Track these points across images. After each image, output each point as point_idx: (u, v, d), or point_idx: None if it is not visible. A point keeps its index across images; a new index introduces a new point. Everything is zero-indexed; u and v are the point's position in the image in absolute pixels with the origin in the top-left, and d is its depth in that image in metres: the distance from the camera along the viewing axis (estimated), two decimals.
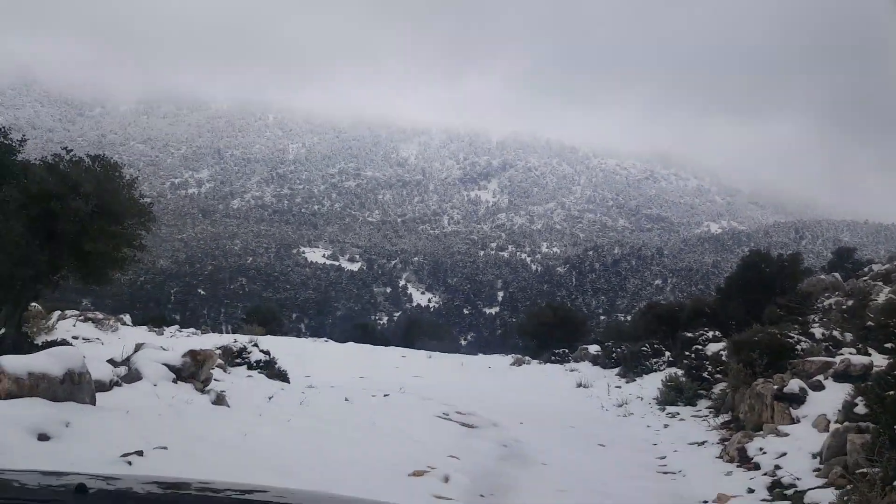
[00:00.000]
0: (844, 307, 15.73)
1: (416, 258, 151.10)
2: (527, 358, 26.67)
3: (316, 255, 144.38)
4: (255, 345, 14.93)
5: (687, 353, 18.11)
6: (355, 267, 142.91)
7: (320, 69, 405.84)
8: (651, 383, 16.96)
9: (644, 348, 21.01)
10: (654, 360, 20.12)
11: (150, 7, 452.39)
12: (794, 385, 10.53)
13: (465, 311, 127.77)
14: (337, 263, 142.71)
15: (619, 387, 18.12)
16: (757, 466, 8.82)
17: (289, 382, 13.91)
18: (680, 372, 16.36)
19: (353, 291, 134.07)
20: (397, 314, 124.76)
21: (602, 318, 68.49)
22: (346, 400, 12.09)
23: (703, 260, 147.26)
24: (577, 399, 16.00)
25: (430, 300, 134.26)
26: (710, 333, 19.28)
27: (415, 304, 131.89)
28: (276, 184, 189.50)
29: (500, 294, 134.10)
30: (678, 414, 13.66)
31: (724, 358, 15.39)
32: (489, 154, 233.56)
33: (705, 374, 15.33)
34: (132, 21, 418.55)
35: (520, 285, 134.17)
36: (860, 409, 8.24)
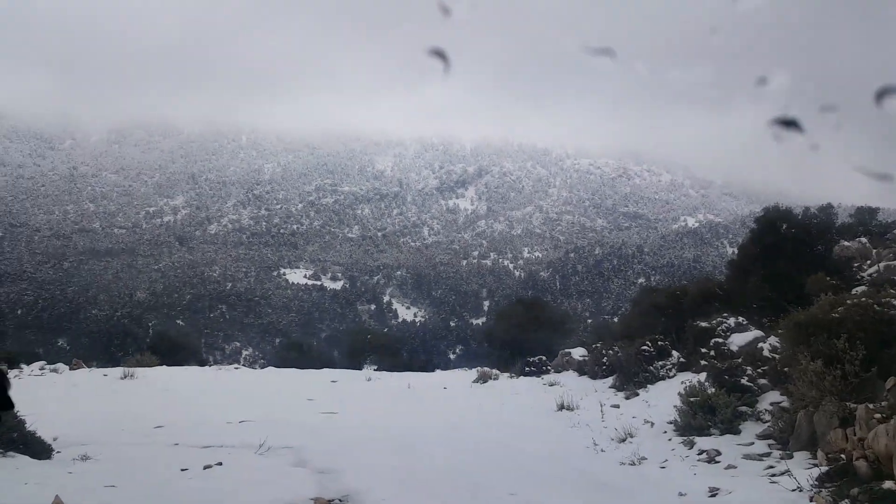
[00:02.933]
0: None
1: (399, 272, 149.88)
2: (494, 372, 21.72)
3: (297, 276, 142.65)
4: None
5: (703, 349, 13.97)
6: (338, 285, 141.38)
7: (288, 86, 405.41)
8: (661, 397, 12.60)
9: (645, 348, 16.10)
10: (660, 363, 15.59)
11: (113, 36, 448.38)
12: None
13: (452, 324, 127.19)
14: (319, 283, 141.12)
15: (617, 406, 13.41)
16: None
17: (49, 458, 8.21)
18: (702, 379, 11.80)
19: (336, 311, 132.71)
20: (384, 331, 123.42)
21: (589, 321, 67.73)
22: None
23: (683, 255, 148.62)
24: (558, 431, 11.04)
25: (415, 315, 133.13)
26: (733, 320, 14.92)
27: (400, 319, 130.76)
28: (252, 205, 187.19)
29: (486, 303, 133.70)
30: (718, 454, 8.62)
31: (766, 353, 11.45)
32: (464, 161, 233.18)
33: (745, 381, 10.71)
34: (97, 51, 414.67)
35: (504, 293, 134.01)
36: None
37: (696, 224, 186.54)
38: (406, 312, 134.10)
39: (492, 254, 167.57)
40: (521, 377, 20.95)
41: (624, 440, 9.83)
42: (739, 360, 10.94)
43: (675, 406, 10.44)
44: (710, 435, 9.32)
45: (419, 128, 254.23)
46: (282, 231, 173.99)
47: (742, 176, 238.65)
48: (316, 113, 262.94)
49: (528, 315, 27.98)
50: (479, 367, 23.32)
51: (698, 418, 9.61)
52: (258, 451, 7.69)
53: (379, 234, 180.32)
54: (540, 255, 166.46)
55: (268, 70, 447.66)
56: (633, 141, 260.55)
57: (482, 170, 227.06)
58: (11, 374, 17.09)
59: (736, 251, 21.53)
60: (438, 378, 22.08)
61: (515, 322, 27.68)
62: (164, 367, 22.28)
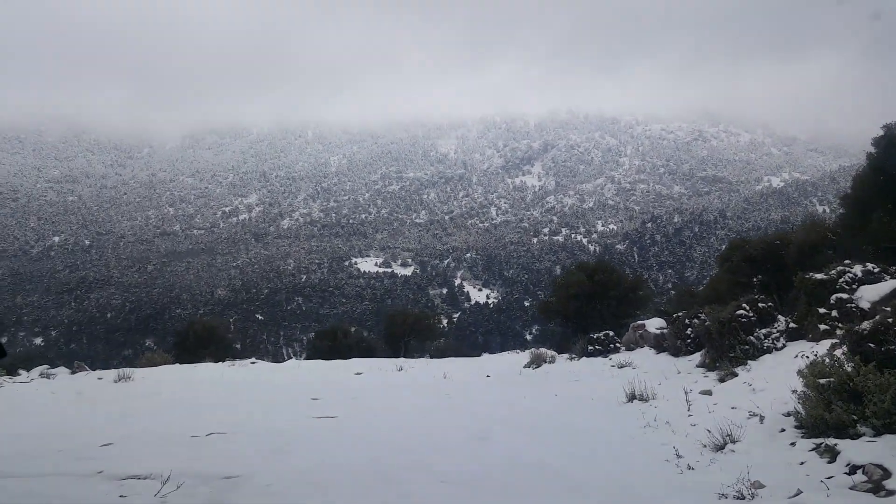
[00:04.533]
0: None
1: (469, 254, 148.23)
2: (550, 353, 17.86)
3: (368, 265, 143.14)
4: None
5: (822, 309, 10.52)
6: (408, 271, 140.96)
7: (350, 79, 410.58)
8: (771, 377, 8.87)
9: (741, 312, 11.91)
10: (763, 331, 11.53)
11: (180, 47, 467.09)
12: None
13: (526, 304, 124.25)
14: (390, 270, 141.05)
15: (709, 392, 9.49)
16: None
17: None
18: (832, 349, 8.29)
19: (408, 296, 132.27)
20: (456, 315, 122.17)
21: (672, 293, 62.41)
22: None
23: (770, 217, 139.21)
24: (627, 434, 7.60)
25: (487, 296, 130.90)
26: (858, 268, 11.29)
27: (473, 301, 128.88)
28: (321, 198, 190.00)
29: None
30: (885, 473, 4.91)
31: None
32: (529, 137, 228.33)
33: None
34: (167, 63, 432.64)
35: None
36: None
37: (782, 184, 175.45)
38: (478, 294, 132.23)
39: (563, 229, 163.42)
40: (584, 358, 17.45)
41: (722, 447, 6.55)
42: (891, 320, 6.89)
43: (793, 391, 6.94)
44: (860, 436, 5.90)
45: (481, 108, 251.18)
46: (351, 221, 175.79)
47: (828, 129, 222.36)
48: (378, 102, 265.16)
49: (594, 282, 23.84)
50: (532, 350, 19.99)
51: (836, 410, 6.18)
52: (159, 494, 5.07)
53: (446, 217, 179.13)
54: (615, 228, 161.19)
55: (330, 64, 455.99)
56: (707, 102, 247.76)
57: (548, 144, 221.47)
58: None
59: (848, 189, 16.57)
60: (483, 364, 18.60)
61: (576, 292, 23.63)
62: (176, 365, 20.25)
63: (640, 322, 18.62)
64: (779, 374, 8.81)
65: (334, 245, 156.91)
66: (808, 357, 8.20)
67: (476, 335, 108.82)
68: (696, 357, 14.12)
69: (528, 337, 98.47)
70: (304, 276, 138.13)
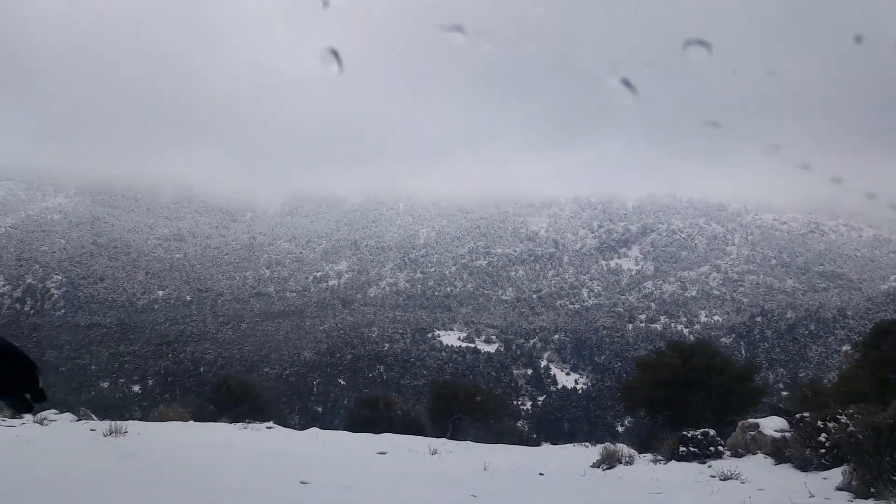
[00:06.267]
0: None
1: (557, 335, 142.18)
2: (626, 452, 14.87)
3: (451, 338, 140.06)
4: None
5: None
6: (492, 348, 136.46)
7: (440, 153, 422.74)
8: None
9: None
10: None
11: (282, 120, 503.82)
12: None
13: (619, 393, 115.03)
14: (473, 345, 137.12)
15: None
16: None
17: None
18: None
19: (491, 374, 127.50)
20: (541, 398, 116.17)
21: (784, 394, 53.65)
22: None
23: None
24: None
25: (576, 381, 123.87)
26: None
27: (560, 385, 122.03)
28: (408, 269, 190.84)
29: None
30: None
31: None
32: (626, 220, 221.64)
33: None
34: (271, 134, 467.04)
35: None
36: None
37: None
38: (566, 378, 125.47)
39: (662, 317, 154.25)
40: (672, 462, 13.79)
41: None
42: None
43: None
44: None
45: (574, 187, 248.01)
46: (436, 293, 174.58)
47: None
48: (468, 177, 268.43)
49: (687, 367, 19.29)
50: (604, 445, 16.28)
51: None
52: None
53: (534, 296, 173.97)
54: (720, 319, 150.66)
55: (422, 139, 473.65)
56: (824, 193, 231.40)
57: (647, 228, 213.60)
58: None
59: None
60: (543, 457, 15.22)
61: (666, 377, 19.18)
62: (190, 423, 19.04)
63: (751, 421, 14.95)
64: None
65: (418, 316, 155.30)
66: None
67: (562, 421, 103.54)
68: (835, 475, 10.24)
69: (620, 429, 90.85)
70: (387, 345, 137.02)
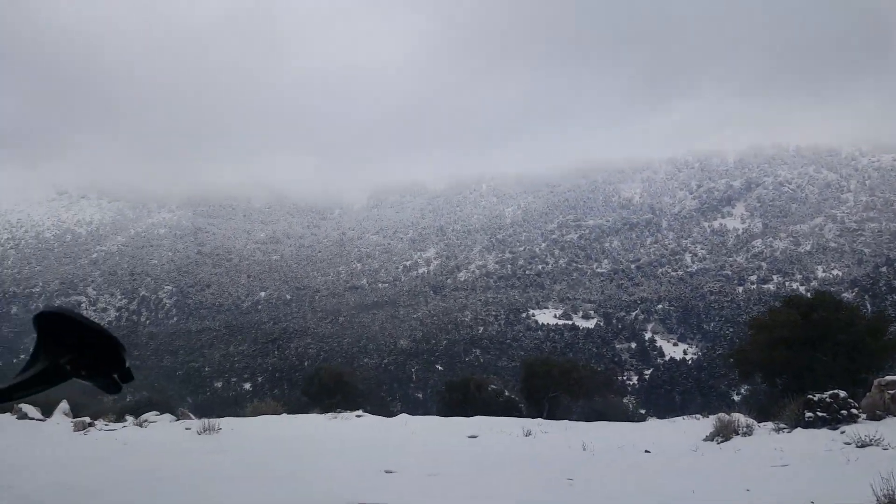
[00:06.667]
0: None
1: (661, 306, 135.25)
2: (744, 422, 13.15)
3: (546, 317, 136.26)
4: None
5: None
6: (591, 324, 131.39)
7: (521, 129, 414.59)
8: None
9: None
10: None
11: (360, 113, 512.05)
12: None
13: (732, 360, 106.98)
14: (570, 322, 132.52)
15: None
16: None
17: None
18: None
19: (591, 350, 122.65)
20: (648, 371, 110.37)
21: None
22: None
23: None
24: None
25: (685, 351, 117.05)
26: None
27: (667, 357, 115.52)
28: (497, 250, 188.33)
29: None
30: None
31: None
32: (727, 176, 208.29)
33: None
34: (349, 129, 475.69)
35: None
36: None
37: None
38: (673, 350, 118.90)
39: (775, 276, 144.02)
40: (797, 429, 12.52)
41: None
42: None
43: None
44: None
45: (669, 148, 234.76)
46: (527, 272, 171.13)
47: None
48: (552, 150, 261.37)
49: (808, 323, 16.82)
50: (718, 415, 14.16)
51: None
52: None
53: (632, 265, 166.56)
54: (839, 274, 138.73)
55: (502, 117, 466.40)
56: None
57: (751, 182, 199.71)
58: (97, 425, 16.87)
59: None
60: (648, 433, 14.05)
61: (783, 336, 16.81)
62: (283, 416, 19.37)
63: (889, 378, 13.33)
64: None
65: (511, 297, 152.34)
66: None
67: (672, 394, 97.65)
68: None
69: (736, 398, 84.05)
70: (482, 328, 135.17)
